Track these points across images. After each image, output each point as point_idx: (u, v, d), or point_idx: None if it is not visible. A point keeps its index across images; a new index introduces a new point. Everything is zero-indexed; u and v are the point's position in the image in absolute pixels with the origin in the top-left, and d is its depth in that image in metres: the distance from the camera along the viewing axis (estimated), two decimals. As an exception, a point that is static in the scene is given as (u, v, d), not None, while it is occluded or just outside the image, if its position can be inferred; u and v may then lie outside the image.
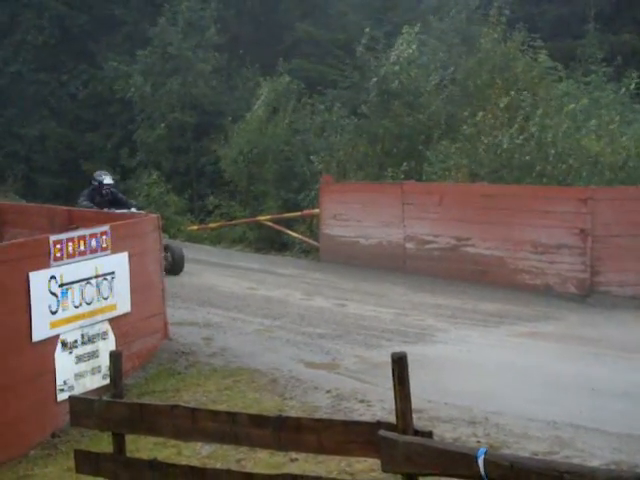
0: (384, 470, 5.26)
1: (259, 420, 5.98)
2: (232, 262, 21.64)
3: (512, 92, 22.07)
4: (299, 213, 24.43)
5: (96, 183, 17.31)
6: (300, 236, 24.10)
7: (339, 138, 25.08)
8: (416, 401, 5.74)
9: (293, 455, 8.41)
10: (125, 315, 12.26)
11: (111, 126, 32.14)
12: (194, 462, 7.87)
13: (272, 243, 25.04)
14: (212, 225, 26.58)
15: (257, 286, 18.17)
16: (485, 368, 12.09)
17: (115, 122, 31.93)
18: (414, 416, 5.39)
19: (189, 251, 22.44)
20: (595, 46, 26.90)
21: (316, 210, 22.77)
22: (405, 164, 22.92)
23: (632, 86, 23.27)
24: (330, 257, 21.60)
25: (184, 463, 7.45)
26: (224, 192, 27.83)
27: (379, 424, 5.38)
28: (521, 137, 20.87)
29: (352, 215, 21.48)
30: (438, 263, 19.45)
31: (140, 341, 12.71)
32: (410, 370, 5.32)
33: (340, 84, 27.15)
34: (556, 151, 20.52)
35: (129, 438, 7.02)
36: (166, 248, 17.86)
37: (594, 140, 20.83)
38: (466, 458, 4.83)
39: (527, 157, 20.59)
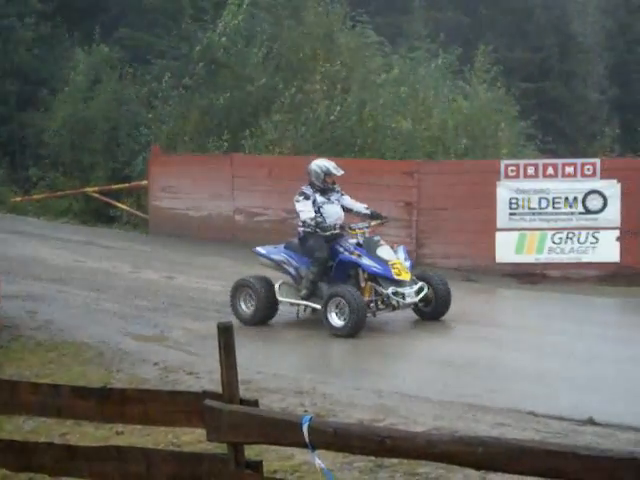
0: (209, 439, 5.23)
1: (83, 392, 5.85)
2: (57, 234, 21.17)
3: (329, 65, 22.25)
4: (127, 185, 24.06)
5: None
6: (128, 208, 23.76)
7: (169, 109, 24.78)
8: (245, 372, 5.76)
9: (119, 428, 8.31)
10: (-57, 288, 11.87)
11: None
12: (16, 437, 7.66)
13: (99, 215, 24.61)
14: (36, 197, 25.90)
15: (83, 258, 17.85)
16: (314, 339, 12.21)
17: None
18: (242, 387, 5.38)
19: (11, 223, 21.84)
20: (420, 22, 27.41)
21: (144, 182, 22.46)
22: (228, 135, 22.80)
23: (440, 62, 23.82)
24: (159, 230, 21.40)
25: (3, 437, 7.23)
26: (49, 163, 27.11)
27: (205, 394, 5.35)
28: (338, 109, 21.10)
29: (182, 187, 21.30)
30: (268, 235, 19.41)
31: (-41, 315, 12.32)
32: (239, 342, 5.31)
33: (169, 55, 26.82)
34: (375, 124, 20.81)
35: (-54, 415, 6.78)
36: (423, 278, 13.03)
37: (406, 115, 21.28)
38: (291, 426, 4.85)
39: (347, 131, 20.83)
